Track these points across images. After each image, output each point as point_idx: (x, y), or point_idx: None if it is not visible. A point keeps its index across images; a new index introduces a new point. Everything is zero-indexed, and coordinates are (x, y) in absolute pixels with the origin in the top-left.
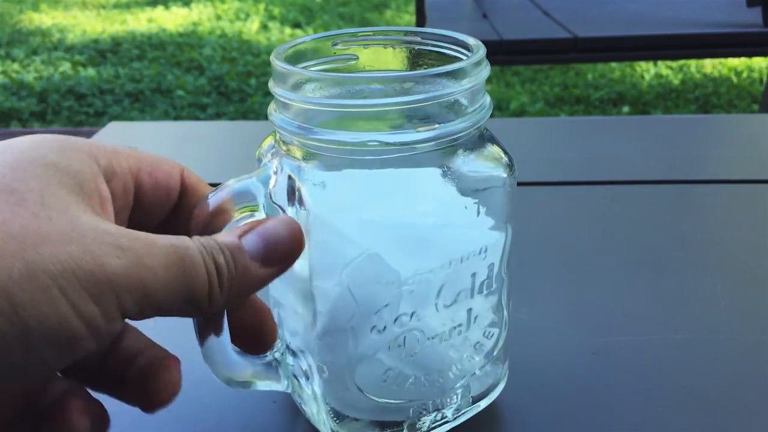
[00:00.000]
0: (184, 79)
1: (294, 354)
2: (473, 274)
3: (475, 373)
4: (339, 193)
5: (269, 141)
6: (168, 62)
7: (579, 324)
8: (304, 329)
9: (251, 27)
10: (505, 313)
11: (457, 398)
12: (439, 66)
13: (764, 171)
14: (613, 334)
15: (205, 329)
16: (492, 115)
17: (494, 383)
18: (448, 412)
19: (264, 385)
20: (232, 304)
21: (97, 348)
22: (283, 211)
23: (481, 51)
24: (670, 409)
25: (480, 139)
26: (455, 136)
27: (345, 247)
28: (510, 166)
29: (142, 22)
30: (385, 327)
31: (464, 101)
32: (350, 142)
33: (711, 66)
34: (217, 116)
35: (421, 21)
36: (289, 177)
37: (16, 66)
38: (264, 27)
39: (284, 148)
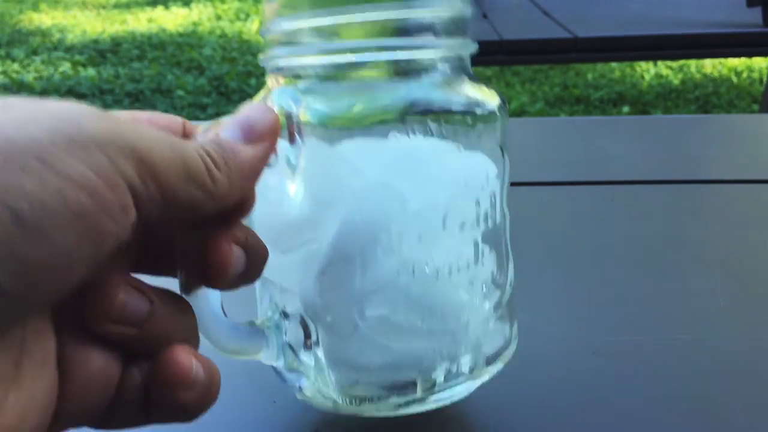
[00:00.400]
0: (184, 79)
1: (288, 317)
2: (477, 202)
3: (486, 327)
4: (338, 118)
5: (261, 95)
6: (168, 62)
7: (579, 324)
8: (300, 275)
9: (251, 27)
10: (511, 263)
11: (469, 349)
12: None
13: (764, 171)
14: (614, 333)
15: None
16: None
17: (505, 344)
18: (464, 366)
19: (255, 356)
20: (238, 190)
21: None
22: (275, 152)
23: None
24: (670, 409)
25: (473, 77)
26: (463, 54)
27: (348, 174)
28: (503, 100)
29: (142, 22)
30: (393, 252)
31: (443, 25)
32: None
33: (711, 66)
34: (217, 116)
35: None
36: (287, 114)
37: (16, 66)
38: None
39: (280, 81)
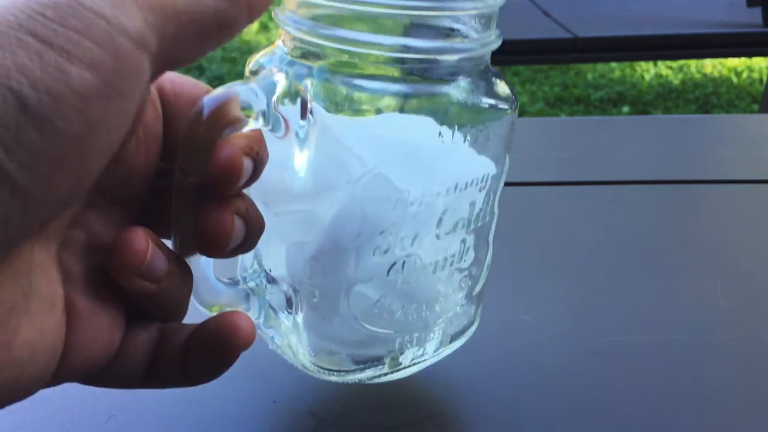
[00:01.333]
0: None
1: (274, 282)
2: (472, 203)
3: (456, 311)
4: (350, 105)
5: (264, 53)
6: None
7: (579, 324)
8: (291, 252)
9: (251, 27)
10: (489, 252)
11: (438, 335)
12: None
13: (764, 171)
14: (613, 333)
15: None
16: None
17: (468, 323)
18: (430, 348)
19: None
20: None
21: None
22: (286, 122)
23: None
24: (670, 408)
25: (487, 72)
26: (481, 53)
27: (352, 161)
28: (514, 100)
29: None
30: (387, 249)
31: (478, 23)
32: (386, 44)
33: (711, 66)
34: None
35: None
36: (300, 89)
37: None
38: (264, 27)
39: (294, 52)
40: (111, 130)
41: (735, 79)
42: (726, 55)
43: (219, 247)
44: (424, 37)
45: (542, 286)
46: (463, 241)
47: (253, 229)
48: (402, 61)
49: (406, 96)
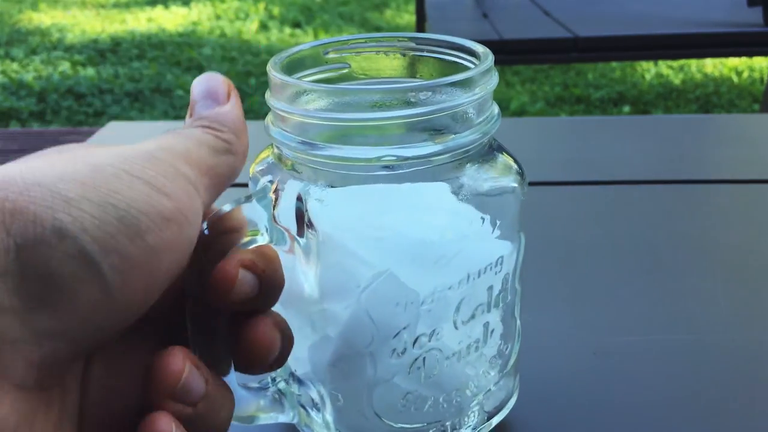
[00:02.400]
0: (184, 79)
1: (301, 382)
2: (489, 287)
3: (490, 389)
4: (349, 211)
5: (264, 156)
6: (167, 62)
7: (579, 324)
8: (313, 356)
9: (251, 27)
10: (518, 323)
11: (474, 416)
12: (438, 73)
13: (764, 171)
14: (614, 334)
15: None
16: None
17: (507, 397)
18: (467, 429)
19: (268, 417)
20: (246, 140)
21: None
22: (290, 234)
23: (490, 58)
24: (670, 408)
25: (489, 149)
26: (469, 147)
27: (358, 268)
28: (521, 174)
29: (141, 21)
30: (405, 350)
31: (473, 111)
32: (363, 158)
33: (712, 66)
34: None
35: (421, 21)
36: (298, 197)
37: (15, 66)
38: (264, 27)
39: (287, 164)
40: (180, 251)
41: (736, 79)
42: (727, 55)
43: (263, 363)
44: (417, 139)
45: (542, 285)
46: (486, 324)
47: (287, 340)
48: (393, 167)
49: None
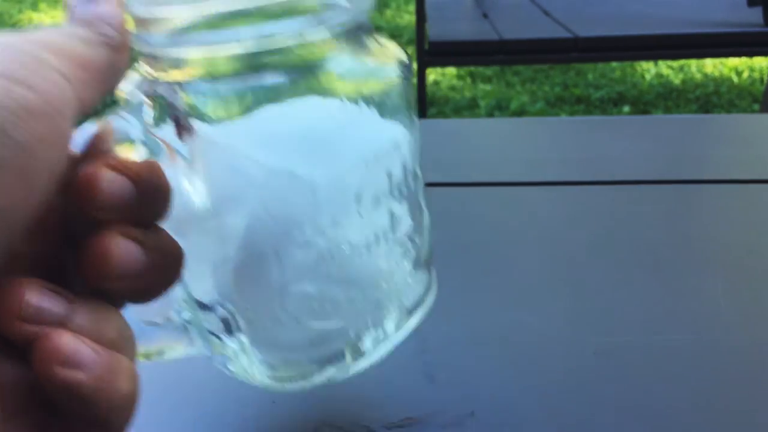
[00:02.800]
0: None
1: (206, 307)
2: (389, 174)
3: (407, 282)
4: (229, 109)
5: (128, 78)
6: None
7: (579, 324)
8: (215, 272)
9: None
10: (425, 213)
11: (393, 310)
12: None
13: (764, 171)
14: (614, 334)
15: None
16: (492, 115)
17: (425, 291)
18: (389, 326)
19: (177, 352)
20: (127, 34)
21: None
22: (167, 145)
23: None
24: (670, 409)
25: (366, 34)
26: (354, 18)
27: (248, 168)
28: (403, 59)
29: None
30: (308, 241)
31: None
32: (234, 39)
33: (712, 66)
34: None
35: (421, 21)
36: (170, 105)
37: None
38: None
39: (155, 73)
40: (55, 147)
41: (736, 79)
42: (727, 55)
43: (104, 274)
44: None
45: (542, 285)
46: (391, 213)
47: (163, 258)
48: (268, 53)
49: (283, 85)
